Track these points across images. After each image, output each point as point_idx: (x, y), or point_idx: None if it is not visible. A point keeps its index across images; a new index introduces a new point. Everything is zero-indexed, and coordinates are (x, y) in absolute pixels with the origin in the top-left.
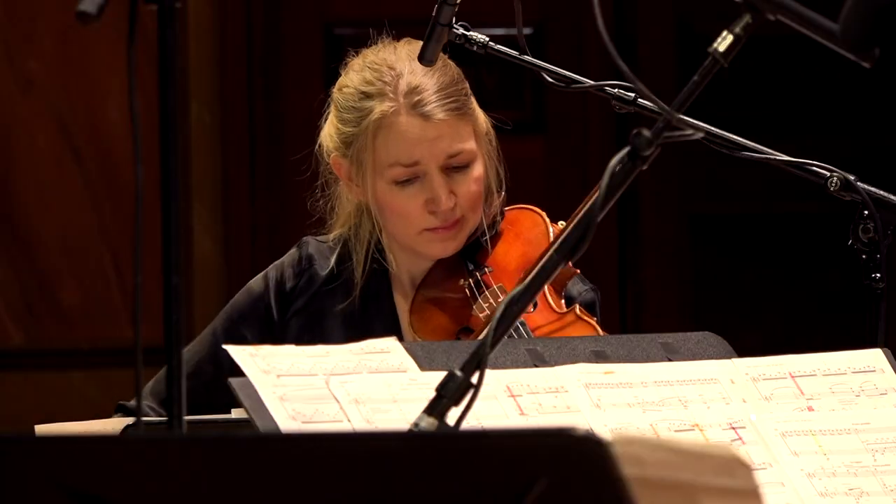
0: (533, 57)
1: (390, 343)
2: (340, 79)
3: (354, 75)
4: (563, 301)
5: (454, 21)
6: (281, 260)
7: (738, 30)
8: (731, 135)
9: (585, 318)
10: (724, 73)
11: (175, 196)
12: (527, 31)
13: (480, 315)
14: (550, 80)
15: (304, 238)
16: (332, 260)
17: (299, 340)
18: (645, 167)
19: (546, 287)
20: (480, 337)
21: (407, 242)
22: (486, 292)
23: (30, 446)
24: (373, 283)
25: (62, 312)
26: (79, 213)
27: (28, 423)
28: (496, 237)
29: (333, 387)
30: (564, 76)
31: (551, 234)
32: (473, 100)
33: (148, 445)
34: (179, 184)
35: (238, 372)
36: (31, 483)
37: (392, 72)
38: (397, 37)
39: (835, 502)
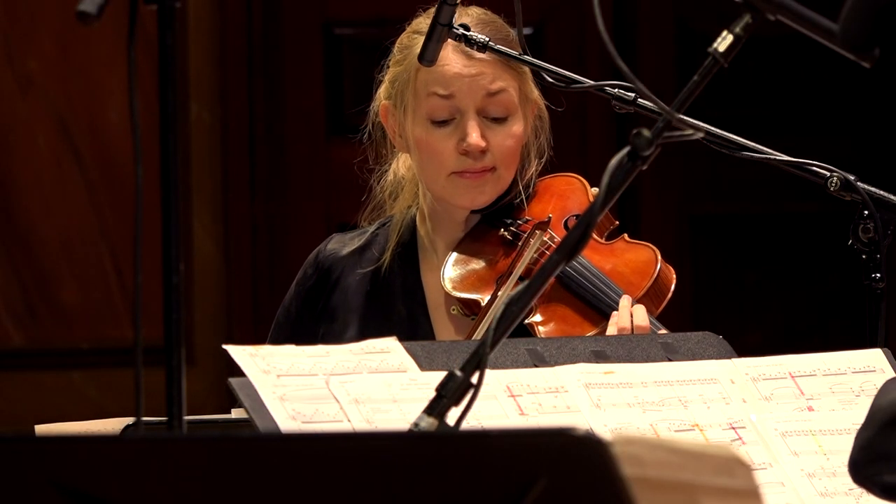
0: (533, 57)
1: (390, 343)
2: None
3: (412, 24)
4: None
5: (454, 21)
6: (304, 263)
7: (738, 30)
8: (731, 135)
9: (638, 241)
10: (724, 73)
11: (175, 196)
12: (527, 31)
13: (523, 252)
14: (550, 80)
15: (333, 234)
16: (364, 237)
17: (329, 313)
18: (645, 167)
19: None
20: (483, 324)
21: (437, 190)
22: (526, 236)
23: (30, 446)
24: (402, 258)
25: (62, 312)
26: (79, 213)
27: (28, 423)
28: (529, 200)
29: (333, 387)
30: (564, 76)
31: (589, 192)
32: (530, 73)
33: (148, 445)
34: (179, 184)
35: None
36: (31, 483)
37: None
38: (397, 37)
39: (835, 502)
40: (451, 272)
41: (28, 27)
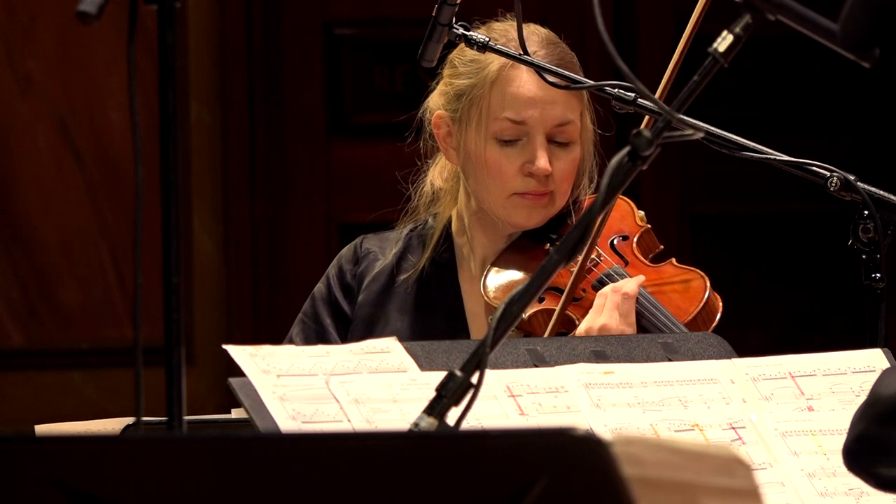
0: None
1: (390, 343)
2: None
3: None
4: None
5: (454, 21)
6: (336, 258)
7: (738, 30)
8: (731, 135)
9: (687, 267)
10: (724, 73)
11: (175, 196)
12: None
13: (571, 269)
14: (550, 80)
15: (361, 235)
16: (398, 245)
17: (365, 322)
18: (645, 167)
19: (635, 250)
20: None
21: (493, 206)
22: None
23: (30, 446)
24: (439, 266)
25: (62, 312)
26: (79, 213)
27: (28, 423)
28: (575, 218)
29: (333, 387)
30: (564, 76)
31: (636, 214)
32: (587, 94)
33: (148, 445)
34: (179, 184)
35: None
36: (31, 483)
37: (511, 34)
38: (398, 37)
39: (835, 502)
40: (492, 283)
41: (28, 27)
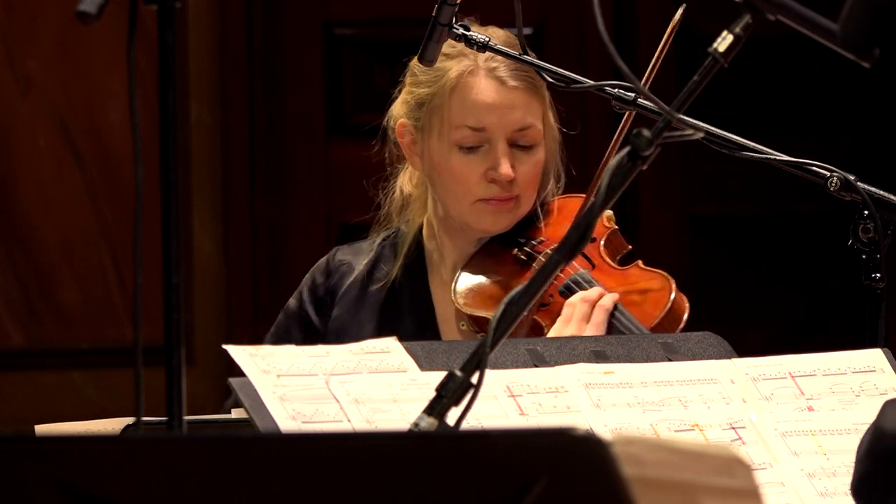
0: (533, 57)
1: (390, 343)
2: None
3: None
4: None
5: (454, 21)
6: (311, 269)
7: (738, 30)
8: (731, 135)
9: (652, 269)
10: (724, 73)
11: (175, 196)
12: (527, 31)
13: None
14: (550, 80)
15: (335, 247)
16: (370, 255)
17: (338, 334)
18: (645, 167)
19: (602, 252)
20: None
21: (459, 213)
22: (544, 255)
23: (30, 446)
24: (410, 272)
25: (62, 312)
26: (79, 213)
27: (28, 423)
28: (543, 220)
29: (333, 387)
30: (564, 76)
31: (604, 217)
32: (548, 93)
33: (148, 445)
34: (179, 184)
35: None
36: (31, 483)
37: (475, 38)
38: (398, 37)
39: (835, 502)
40: (462, 288)
41: (28, 27)
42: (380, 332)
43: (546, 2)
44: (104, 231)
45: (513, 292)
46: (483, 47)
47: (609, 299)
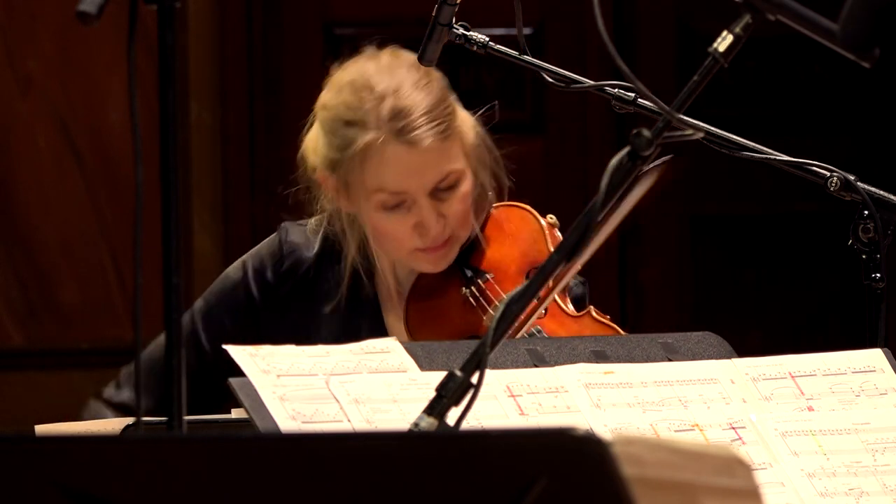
0: (533, 57)
1: (390, 343)
2: (322, 93)
3: (335, 95)
4: (569, 304)
5: (454, 21)
6: (258, 248)
7: (738, 30)
8: (731, 135)
9: (603, 319)
10: (724, 73)
11: (175, 196)
12: (527, 31)
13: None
14: (550, 80)
15: (283, 224)
16: (317, 243)
17: (283, 331)
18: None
19: (557, 296)
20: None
21: (398, 259)
22: (496, 301)
23: (30, 446)
24: (359, 284)
25: (62, 312)
26: (79, 213)
27: (28, 423)
28: (486, 238)
29: (333, 387)
30: (564, 76)
31: (545, 229)
32: (458, 109)
33: (148, 445)
34: (179, 184)
35: (236, 371)
36: (31, 483)
37: (372, 95)
38: (398, 37)
39: (835, 502)
40: (412, 323)
41: (28, 27)
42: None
43: (546, 2)
44: (104, 231)
45: (513, 292)
46: (483, 47)
47: None
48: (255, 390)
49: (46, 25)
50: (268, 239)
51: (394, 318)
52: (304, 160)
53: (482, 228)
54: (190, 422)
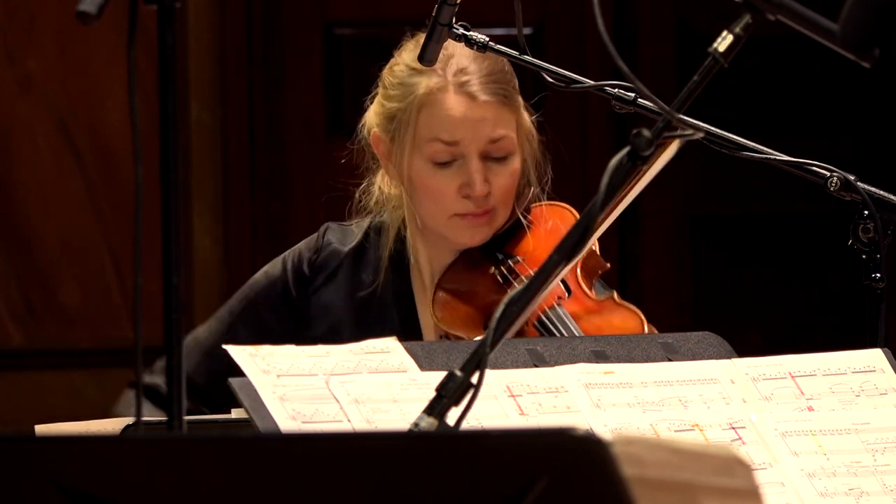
0: (533, 57)
1: (390, 343)
2: (392, 59)
3: (407, 54)
4: (593, 292)
5: (454, 21)
6: (299, 245)
7: (738, 30)
8: (731, 135)
9: (626, 304)
10: (724, 73)
11: (175, 196)
12: (527, 31)
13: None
14: (550, 80)
15: (327, 223)
16: (358, 237)
17: (318, 320)
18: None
19: (579, 276)
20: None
21: (436, 226)
22: (522, 278)
23: (30, 446)
24: (393, 274)
25: (62, 312)
26: (79, 213)
27: (28, 423)
28: (523, 231)
29: (333, 387)
30: (564, 76)
31: None
32: (521, 97)
33: (148, 445)
34: (179, 184)
35: (237, 371)
36: (30, 483)
37: (444, 52)
38: (397, 37)
39: (835, 502)
40: (439, 303)
41: (28, 27)
42: (363, 331)
43: (546, 2)
44: (104, 231)
45: (513, 293)
46: (483, 47)
47: None
48: (255, 390)
49: (46, 25)
50: (309, 237)
51: (427, 313)
52: (364, 129)
53: (526, 222)
54: (190, 422)
